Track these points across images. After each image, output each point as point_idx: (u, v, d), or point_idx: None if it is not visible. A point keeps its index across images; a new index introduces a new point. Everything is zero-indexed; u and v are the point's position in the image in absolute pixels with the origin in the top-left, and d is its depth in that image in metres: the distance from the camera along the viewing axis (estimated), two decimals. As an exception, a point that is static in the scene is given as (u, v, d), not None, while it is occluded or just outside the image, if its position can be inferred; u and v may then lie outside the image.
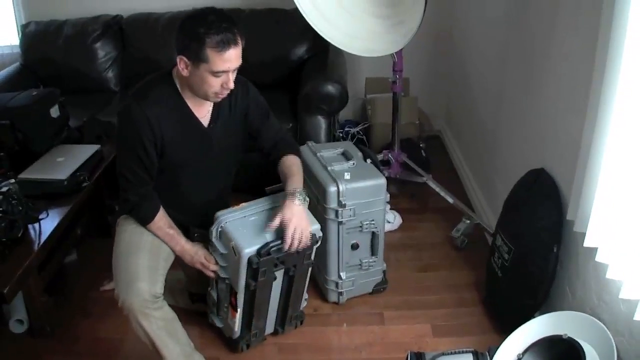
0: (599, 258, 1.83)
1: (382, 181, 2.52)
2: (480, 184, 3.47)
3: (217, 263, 2.19)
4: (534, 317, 2.19)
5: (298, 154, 2.39)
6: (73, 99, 3.50)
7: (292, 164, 2.31)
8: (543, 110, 2.44)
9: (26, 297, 2.47)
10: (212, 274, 2.23)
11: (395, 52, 3.11)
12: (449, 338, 2.50)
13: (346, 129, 4.07)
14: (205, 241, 2.24)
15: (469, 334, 2.51)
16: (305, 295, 2.49)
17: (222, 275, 2.20)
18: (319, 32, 3.05)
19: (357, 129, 4.06)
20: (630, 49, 1.52)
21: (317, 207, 2.53)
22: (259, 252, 2.04)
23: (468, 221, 3.10)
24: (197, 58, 1.92)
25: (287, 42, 3.83)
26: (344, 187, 2.44)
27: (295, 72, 3.77)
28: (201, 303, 2.50)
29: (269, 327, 2.46)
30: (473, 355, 2.11)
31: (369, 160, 2.67)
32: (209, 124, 2.19)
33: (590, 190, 1.79)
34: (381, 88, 3.96)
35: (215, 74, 1.95)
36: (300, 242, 2.12)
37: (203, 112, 2.17)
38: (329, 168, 2.54)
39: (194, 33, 1.90)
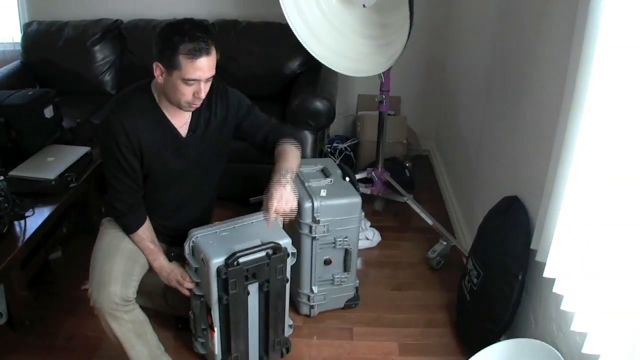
0: (556, 289, 1.88)
1: (357, 200, 2.58)
2: (461, 207, 3.53)
3: (192, 281, 2.23)
4: (498, 342, 2.24)
5: (294, 142, 2.37)
6: (69, 99, 3.58)
7: (283, 149, 2.29)
8: (518, 140, 2.49)
9: (7, 291, 2.54)
10: (187, 292, 2.27)
11: (383, 73, 3.16)
12: (415, 357, 2.55)
13: (334, 145, 4.13)
14: (182, 261, 2.28)
15: (435, 355, 2.55)
16: (290, 321, 2.50)
17: (197, 292, 2.23)
18: (308, 49, 3.13)
19: (345, 145, 4.11)
20: (592, 91, 1.57)
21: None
22: (226, 262, 2.07)
23: (445, 243, 3.16)
24: (170, 65, 1.96)
25: (281, 56, 3.88)
26: (319, 203, 2.50)
27: (288, 86, 3.83)
28: (186, 330, 2.51)
29: (253, 354, 2.40)
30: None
31: (347, 179, 2.72)
32: (187, 133, 2.23)
33: (552, 221, 1.85)
34: (372, 105, 3.97)
35: (187, 81, 1.98)
36: (284, 212, 2.09)
37: (181, 122, 2.22)
38: (306, 184, 2.60)
39: (169, 40, 1.94)
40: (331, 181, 2.65)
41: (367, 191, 3.48)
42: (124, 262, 2.19)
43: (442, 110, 4.31)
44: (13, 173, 2.73)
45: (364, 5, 2.96)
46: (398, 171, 3.71)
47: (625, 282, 1.58)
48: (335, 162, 2.90)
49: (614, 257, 1.63)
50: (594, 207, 1.71)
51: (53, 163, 2.86)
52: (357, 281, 2.82)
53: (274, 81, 3.94)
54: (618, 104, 1.55)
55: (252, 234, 2.22)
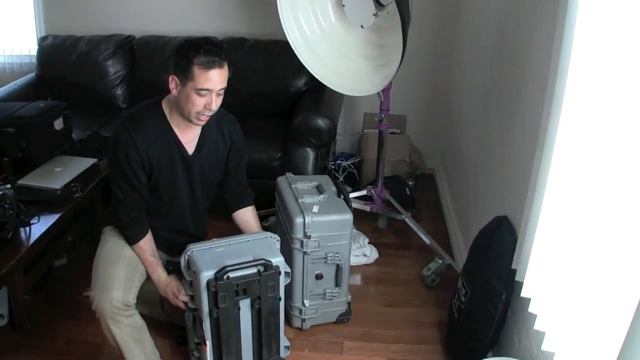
0: (531, 308, 1.93)
1: (349, 217, 2.63)
2: (460, 226, 3.57)
3: (187, 294, 2.28)
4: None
5: (253, 204, 2.67)
6: (80, 112, 3.70)
7: (255, 218, 2.64)
8: (510, 160, 2.53)
9: (10, 295, 2.63)
10: (182, 304, 2.32)
11: (382, 92, 3.22)
12: (403, 373, 2.59)
13: (338, 162, 4.19)
14: (180, 273, 2.33)
15: (422, 371, 2.59)
16: (287, 342, 2.56)
17: (191, 305, 2.28)
18: (307, 67, 3.20)
19: (349, 162, 4.17)
20: (565, 118, 1.64)
21: (286, 236, 2.66)
22: (216, 275, 2.12)
23: (440, 261, 3.19)
24: (185, 76, 2.08)
25: (287, 74, 3.96)
26: (310, 219, 2.55)
27: (293, 104, 3.89)
28: (185, 345, 2.51)
29: None
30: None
31: (342, 196, 2.78)
32: (193, 152, 2.34)
33: (529, 242, 1.89)
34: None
35: (199, 91, 2.10)
36: None
37: (189, 139, 2.32)
38: (299, 200, 2.66)
39: (185, 53, 2.08)
40: (324, 197, 2.71)
41: (367, 208, 3.53)
42: (125, 268, 2.29)
43: (447, 129, 4.35)
44: (21, 182, 2.83)
45: (362, 26, 3.02)
46: (399, 189, 3.75)
47: (595, 306, 1.62)
48: (337, 179, 2.94)
49: (586, 280, 1.66)
50: (569, 230, 1.75)
51: (60, 173, 2.96)
52: (349, 296, 2.87)
53: (280, 99, 4.02)
54: (592, 130, 1.60)
55: (247, 251, 2.26)
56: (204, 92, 2.11)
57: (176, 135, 2.29)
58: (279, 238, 2.38)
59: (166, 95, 2.27)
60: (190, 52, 2.07)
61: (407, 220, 3.40)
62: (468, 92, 3.63)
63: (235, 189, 2.59)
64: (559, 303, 1.80)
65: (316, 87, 3.84)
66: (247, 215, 2.62)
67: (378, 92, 3.22)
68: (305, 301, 2.72)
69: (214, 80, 2.10)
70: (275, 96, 4.02)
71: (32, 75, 4.26)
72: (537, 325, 1.88)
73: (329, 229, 2.61)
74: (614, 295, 1.52)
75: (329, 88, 3.27)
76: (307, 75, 3.88)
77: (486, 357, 2.34)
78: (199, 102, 2.13)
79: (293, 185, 2.80)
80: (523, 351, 2.17)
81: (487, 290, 2.33)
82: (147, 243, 2.36)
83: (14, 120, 3.01)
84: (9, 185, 2.62)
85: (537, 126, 1.87)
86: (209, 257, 2.22)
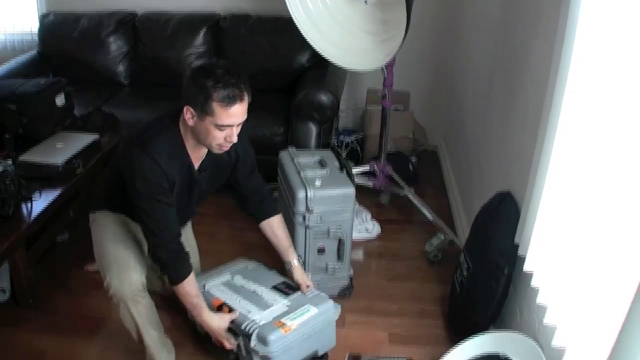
0: (533, 283, 1.93)
1: (351, 191, 2.62)
2: (463, 201, 3.56)
3: (232, 344, 2.25)
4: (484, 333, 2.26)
5: (280, 212, 2.53)
6: (82, 89, 3.70)
7: (282, 229, 2.51)
8: (514, 136, 2.51)
9: (12, 269, 2.64)
10: (226, 345, 2.27)
11: (386, 68, 3.20)
12: (404, 346, 2.58)
13: (341, 138, 4.18)
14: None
15: (423, 345, 2.58)
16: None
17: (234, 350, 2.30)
18: (310, 42, 3.18)
19: (352, 138, 4.16)
20: (570, 91, 1.63)
21: (288, 210, 2.66)
22: None
23: (442, 236, 3.19)
24: (203, 111, 1.94)
25: (290, 50, 3.96)
26: (313, 193, 2.55)
27: (296, 80, 3.89)
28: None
29: None
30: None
31: (344, 170, 2.77)
32: (199, 171, 2.23)
33: (533, 216, 1.89)
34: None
35: (220, 127, 1.97)
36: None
37: (197, 158, 2.20)
38: (302, 174, 2.65)
39: (202, 86, 1.91)
40: (327, 172, 2.70)
41: (370, 184, 3.53)
42: (134, 247, 2.22)
43: (450, 106, 4.33)
44: (23, 158, 2.83)
45: (365, 2, 3.00)
46: (402, 165, 3.74)
47: (596, 279, 1.61)
48: (338, 153, 2.93)
49: (588, 255, 1.66)
50: (572, 204, 1.74)
51: (61, 149, 2.96)
52: (352, 271, 2.87)
53: (283, 74, 4.01)
54: (596, 105, 1.59)
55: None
56: (224, 128, 1.99)
57: (190, 157, 2.16)
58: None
59: (180, 116, 2.08)
60: (208, 85, 1.91)
61: (409, 195, 3.40)
62: (472, 68, 3.60)
63: (254, 198, 2.48)
64: (561, 277, 1.80)
65: (319, 63, 3.81)
66: (273, 227, 2.49)
67: (382, 68, 3.19)
68: (308, 274, 2.71)
69: (236, 115, 1.97)
70: (278, 72, 4.01)
71: (33, 52, 4.25)
72: (540, 300, 1.88)
73: (331, 203, 2.60)
74: (617, 270, 1.51)
75: (332, 64, 3.25)
76: (310, 52, 3.86)
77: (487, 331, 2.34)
78: (219, 136, 2.01)
79: (295, 159, 2.79)
80: (525, 325, 2.16)
81: (489, 265, 2.32)
82: (190, 282, 2.16)
83: (15, 97, 3.01)
84: (10, 162, 2.59)
85: (541, 101, 1.86)
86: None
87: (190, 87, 1.95)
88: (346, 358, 2.23)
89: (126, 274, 2.13)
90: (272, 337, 2.15)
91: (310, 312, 2.30)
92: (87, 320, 2.68)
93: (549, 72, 1.78)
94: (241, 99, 1.96)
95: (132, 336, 2.27)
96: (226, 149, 2.09)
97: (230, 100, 1.93)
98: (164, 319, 2.42)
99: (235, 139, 2.04)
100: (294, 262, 2.48)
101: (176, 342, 2.45)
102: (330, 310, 2.37)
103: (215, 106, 1.92)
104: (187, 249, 2.18)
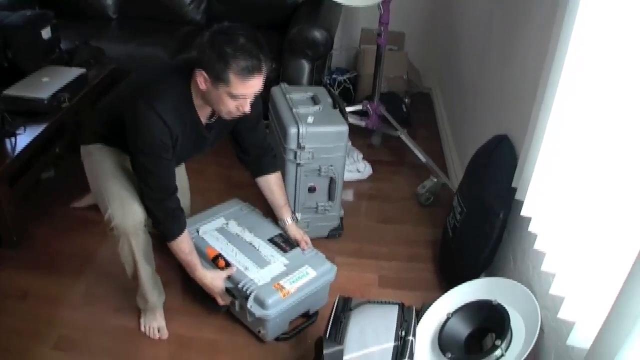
0: (531, 228, 1.90)
1: (344, 128, 2.57)
2: (456, 145, 3.53)
3: (225, 300, 2.27)
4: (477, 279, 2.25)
5: (278, 169, 2.47)
6: (69, 22, 3.56)
7: (279, 186, 2.46)
8: (512, 78, 2.47)
9: (-5, 207, 2.59)
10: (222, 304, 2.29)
11: (382, 4, 3.12)
12: (394, 290, 2.57)
13: (333, 77, 4.11)
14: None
15: (414, 289, 2.57)
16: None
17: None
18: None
19: (344, 77, 4.09)
20: (576, 35, 1.57)
21: (279, 147, 2.60)
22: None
23: (435, 179, 3.16)
24: (218, 78, 1.85)
25: (284, -15, 3.85)
26: (305, 129, 2.50)
27: (289, 16, 3.78)
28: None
29: None
30: (399, 308, 2.12)
31: (337, 107, 2.71)
32: (207, 128, 2.16)
33: (532, 160, 1.85)
34: (375, 39, 3.98)
35: (234, 97, 1.90)
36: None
37: (204, 115, 2.12)
38: (294, 110, 2.59)
39: (221, 52, 1.82)
40: (320, 108, 2.64)
41: (362, 124, 3.47)
42: (133, 181, 2.15)
43: (446, 47, 4.24)
44: (7, 92, 2.74)
45: None
46: (395, 106, 3.69)
47: (597, 226, 1.58)
48: (331, 91, 2.86)
49: (588, 201, 1.63)
50: (574, 149, 1.71)
51: (47, 83, 2.87)
52: (342, 211, 2.85)
53: (276, 10, 3.92)
54: (604, 47, 1.54)
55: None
56: (238, 97, 1.91)
57: (198, 116, 2.08)
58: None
59: (191, 73, 1.98)
60: (227, 52, 1.81)
61: (402, 136, 3.35)
62: (471, 8, 3.52)
63: (255, 151, 2.40)
64: (560, 223, 1.77)
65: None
66: (270, 183, 2.44)
67: (378, 4, 3.11)
68: (297, 214, 2.69)
69: (253, 87, 1.90)
70: (271, 8, 3.92)
71: (17, -17, 4.08)
72: (537, 245, 1.86)
73: (323, 140, 2.55)
74: (620, 217, 1.49)
75: (326, 0, 3.16)
76: (304, -14, 3.76)
77: (479, 278, 2.31)
78: (231, 105, 1.93)
79: (287, 96, 2.73)
80: (518, 272, 2.15)
81: (484, 209, 2.29)
82: (185, 241, 2.15)
83: (0, 30, 2.90)
84: (-7, 96, 2.54)
85: (544, 44, 1.81)
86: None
87: (207, 51, 1.85)
88: (336, 300, 2.21)
89: (129, 207, 2.08)
90: (270, 300, 2.14)
91: (308, 274, 2.29)
92: (72, 258, 2.65)
93: (554, 14, 1.72)
94: (259, 71, 1.87)
95: (126, 272, 2.23)
96: (236, 117, 2.02)
97: (248, 72, 1.84)
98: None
99: (247, 110, 1.97)
100: (288, 220, 2.45)
101: (164, 281, 2.40)
102: (328, 272, 2.35)
103: (232, 76, 1.84)
104: (180, 190, 2.14)
